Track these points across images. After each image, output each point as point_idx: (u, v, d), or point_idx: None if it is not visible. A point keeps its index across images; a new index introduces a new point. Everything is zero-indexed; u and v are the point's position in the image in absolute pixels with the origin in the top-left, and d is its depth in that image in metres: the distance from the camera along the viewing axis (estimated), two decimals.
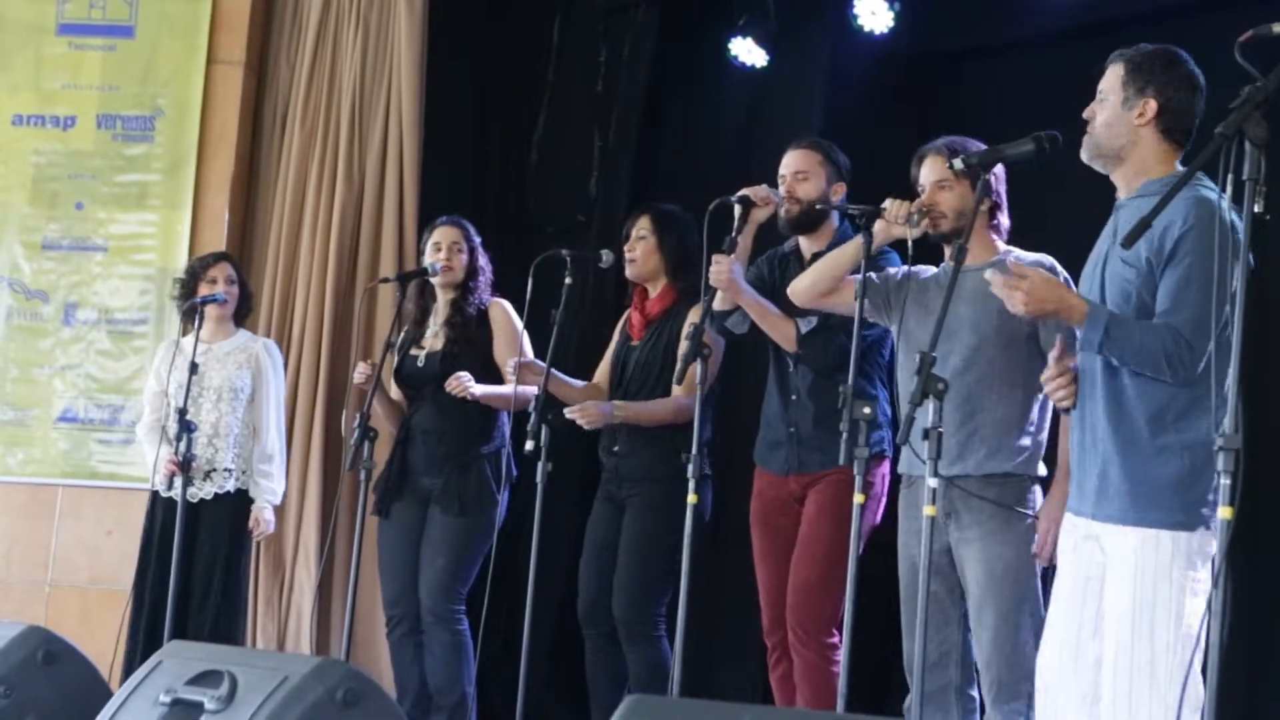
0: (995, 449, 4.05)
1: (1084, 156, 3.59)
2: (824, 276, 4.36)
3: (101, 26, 6.98)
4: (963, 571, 4.08)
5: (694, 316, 4.97)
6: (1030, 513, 4.03)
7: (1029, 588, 3.97)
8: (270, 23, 7.07)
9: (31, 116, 6.98)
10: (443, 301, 5.55)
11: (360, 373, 5.31)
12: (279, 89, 6.99)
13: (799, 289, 4.42)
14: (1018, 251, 4.18)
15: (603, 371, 5.36)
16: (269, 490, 5.76)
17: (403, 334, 5.66)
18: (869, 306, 4.18)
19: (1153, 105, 3.46)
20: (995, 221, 4.22)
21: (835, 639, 4.51)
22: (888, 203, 4.18)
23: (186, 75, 6.90)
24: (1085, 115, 3.57)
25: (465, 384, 5.21)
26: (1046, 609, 3.84)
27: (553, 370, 5.00)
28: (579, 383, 5.21)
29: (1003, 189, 4.24)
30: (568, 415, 4.92)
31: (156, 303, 6.76)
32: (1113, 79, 3.52)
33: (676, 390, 4.98)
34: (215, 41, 6.92)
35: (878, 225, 4.19)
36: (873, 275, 4.22)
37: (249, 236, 6.96)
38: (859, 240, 4.21)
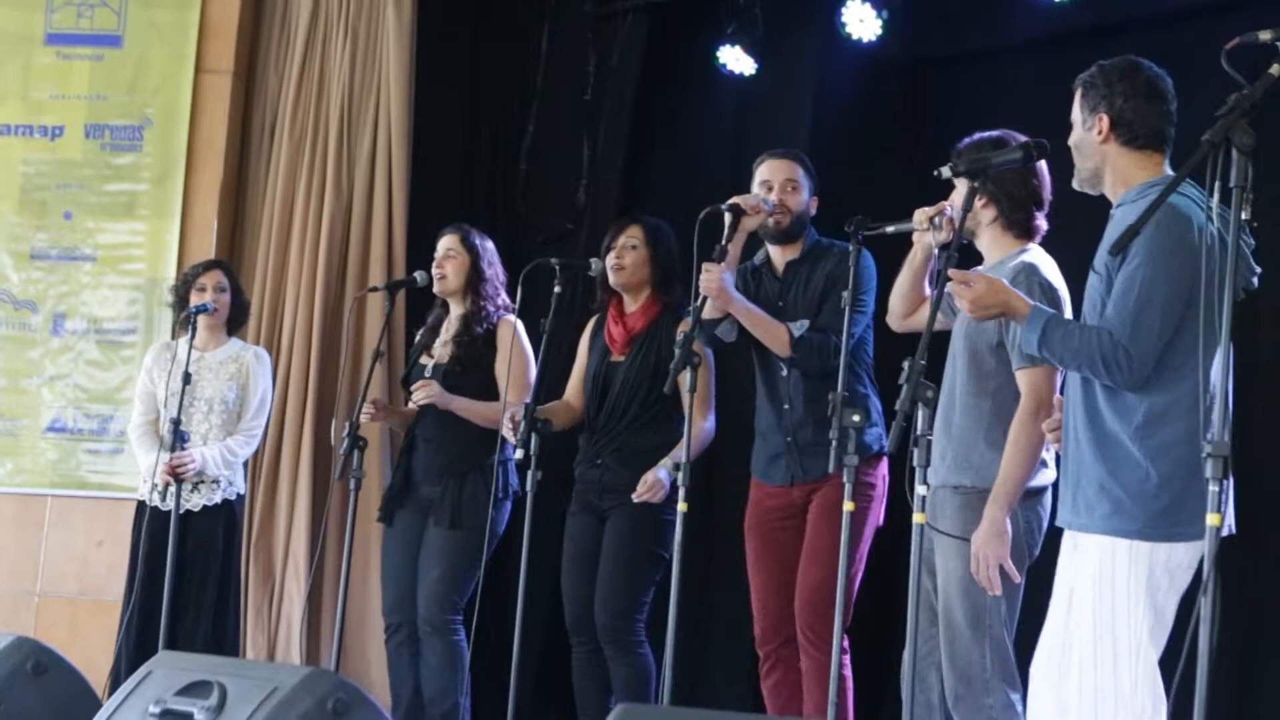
0: (960, 460, 3.99)
1: (1074, 185, 3.61)
2: (896, 299, 4.34)
3: (89, 36, 6.98)
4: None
5: (684, 329, 4.99)
6: (958, 536, 3.89)
7: (984, 605, 3.86)
8: (259, 31, 7.07)
9: (19, 126, 6.97)
10: (454, 314, 5.55)
11: (366, 413, 5.30)
12: (267, 98, 6.99)
13: (890, 322, 4.41)
14: (1033, 254, 4.02)
15: (574, 387, 5.34)
16: (220, 460, 5.62)
17: (417, 340, 5.66)
18: (943, 318, 4.00)
19: (1105, 120, 3.48)
20: (1002, 218, 4.04)
21: (845, 641, 4.50)
22: (916, 213, 4.16)
23: (175, 84, 6.89)
24: (1069, 144, 3.59)
25: (428, 392, 5.23)
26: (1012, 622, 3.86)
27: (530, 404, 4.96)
28: (553, 404, 5.23)
29: (1040, 183, 4.06)
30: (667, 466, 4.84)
31: (145, 312, 6.75)
32: (1076, 104, 3.56)
33: (688, 403, 4.72)
34: (203, 50, 6.92)
35: (915, 235, 4.18)
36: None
37: (238, 245, 6.95)
38: (909, 258, 4.22)
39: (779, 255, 4.86)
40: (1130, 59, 3.54)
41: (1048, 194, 4.08)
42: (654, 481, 4.86)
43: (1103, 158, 3.50)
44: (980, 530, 3.81)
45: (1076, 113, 3.55)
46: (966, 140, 4.04)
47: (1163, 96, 3.50)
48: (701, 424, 4.93)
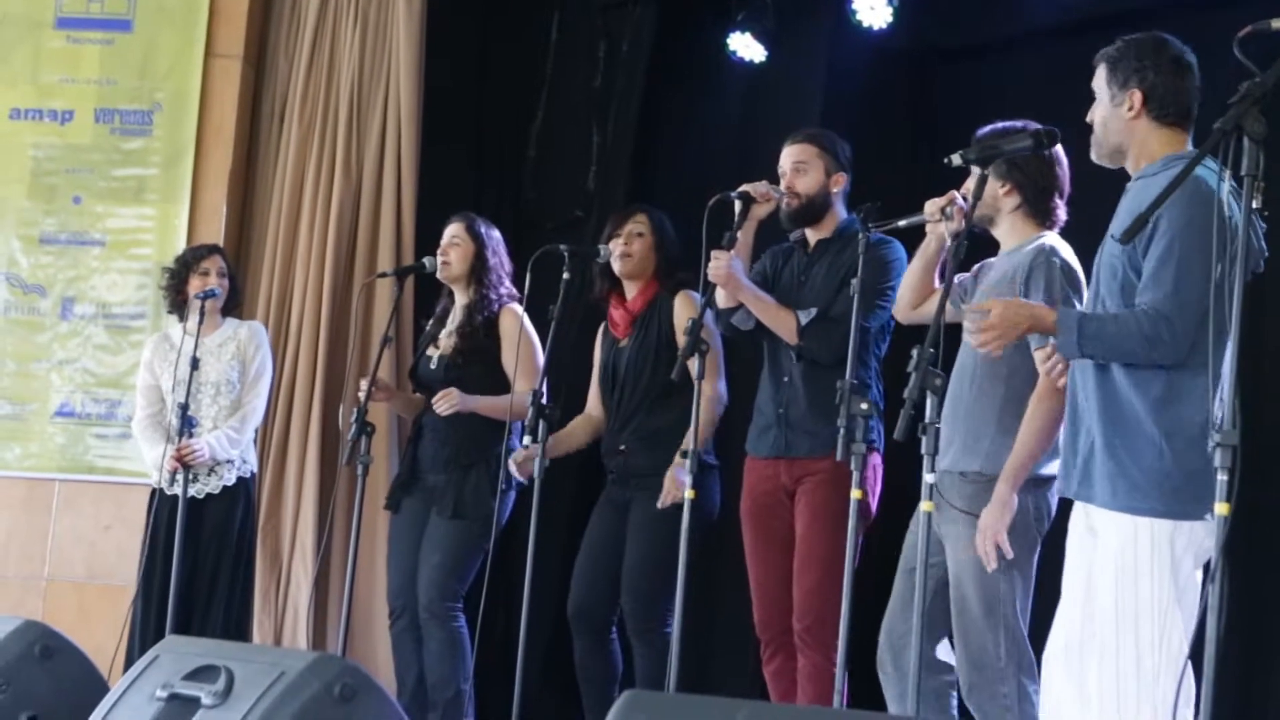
0: (969, 446, 3.98)
1: (1093, 158, 3.60)
2: (905, 289, 4.33)
3: (99, 20, 6.97)
4: None
5: (679, 303, 5.00)
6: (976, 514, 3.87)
7: (997, 593, 3.85)
8: (268, 16, 7.06)
9: (29, 110, 6.97)
10: (459, 304, 5.54)
11: (366, 392, 5.30)
12: (277, 82, 6.98)
13: (897, 313, 4.40)
14: (1050, 237, 4.01)
15: (594, 395, 5.38)
16: (226, 441, 5.64)
17: (426, 331, 5.67)
18: (952, 310, 3.95)
19: (1138, 96, 3.47)
20: (1026, 205, 4.05)
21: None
22: (927, 205, 4.15)
23: (184, 69, 6.88)
24: (1088, 120, 3.57)
25: (451, 402, 5.22)
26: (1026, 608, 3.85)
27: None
28: (574, 421, 5.27)
29: (1062, 173, 4.07)
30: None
31: (154, 297, 6.74)
32: (1099, 79, 3.55)
33: (697, 390, 4.77)
34: (213, 35, 6.90)
35: (927, 226, 4.16)
36: (955, 278, 3.97)
37: (246, 231, 6.95)
38: (921, 247, 4.22)
39: (812, 233, 4.85)
40: (1155, 34, 3.52)
41: (1068, 184, 4.07)
42: (671, 485, 4.82)
43: (1131, 133, 3.49)
44: (990, 505, 3.81)
45: (1103, 88, 3.52)
46: (984, 130, 4.02)
47: (1191, 71, 3.49)
48: (710, 393, 4.88)
